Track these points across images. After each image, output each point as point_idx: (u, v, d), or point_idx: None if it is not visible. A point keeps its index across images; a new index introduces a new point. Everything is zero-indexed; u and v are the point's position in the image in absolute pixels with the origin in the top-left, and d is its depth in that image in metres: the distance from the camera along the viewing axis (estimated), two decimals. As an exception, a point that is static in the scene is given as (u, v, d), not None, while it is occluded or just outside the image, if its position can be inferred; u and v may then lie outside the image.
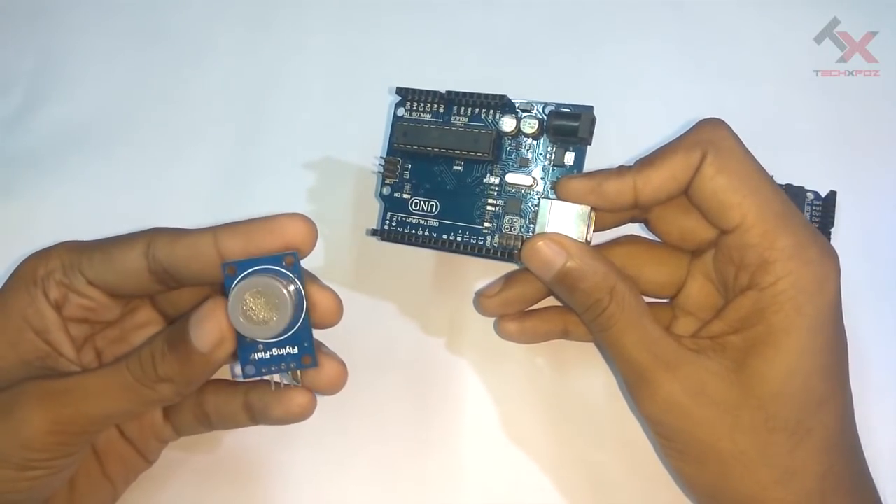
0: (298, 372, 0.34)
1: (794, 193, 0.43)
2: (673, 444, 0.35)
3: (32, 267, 0.35)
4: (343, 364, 0.35)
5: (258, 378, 0.33)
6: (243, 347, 0.33)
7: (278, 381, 0.35)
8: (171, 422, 0.38)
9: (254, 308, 0.31)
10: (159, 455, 0.40)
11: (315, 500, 0.41)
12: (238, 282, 0.31)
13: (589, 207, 0.36)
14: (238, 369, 0.34)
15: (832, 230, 0.43)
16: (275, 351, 0.33)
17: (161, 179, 0.48)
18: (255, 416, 0.37)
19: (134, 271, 0.34)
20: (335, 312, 0.34)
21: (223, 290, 0.32)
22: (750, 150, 0.34)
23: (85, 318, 0.36)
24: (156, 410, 0.38)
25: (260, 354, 0.33)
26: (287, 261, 0.32)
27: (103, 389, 0.32)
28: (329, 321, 0.34)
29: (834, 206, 0.43)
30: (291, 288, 0.32)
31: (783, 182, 0.42)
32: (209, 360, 0.31)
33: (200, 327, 0.31)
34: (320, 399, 0.42)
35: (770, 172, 0.34)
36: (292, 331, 0.33)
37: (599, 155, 0.38)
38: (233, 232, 0.32)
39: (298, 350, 0.33)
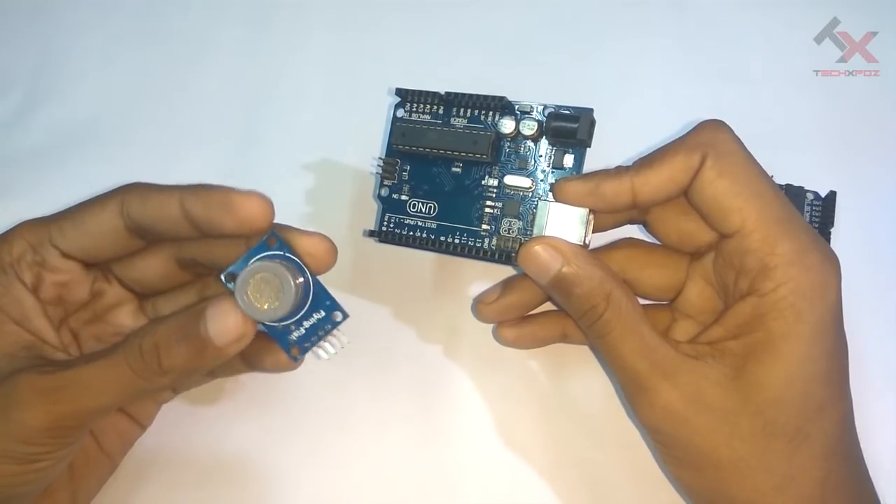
0: (337, 332, 0.34)
1: (794, 193, 0.42)
2: (671, 452, 0.34)
3: None
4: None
5: (308, 353, 0.34)
6: (277, 334, 0.33)
7: (331, 350, 0.35)
8: None
9: (260, 296, 0.31)
10: (152, 419, 0.40)
11: (314, 501, 0.41)
12: (236, 280, 0.32)
13: (587, 210, 0.35)
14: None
15: (832, 230, 0.43)
16: (305, 324, 0.33)
17: (161, 180, 0.47)
18: (252, 364, 0.37)
19: (111, 231, 0.34)
20: (328, 254, 0.34)
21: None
22: (750, 151, 0.34)
23: (59, 297, 0.35)
24: None
25: (296, 334, 0.33)
26: (270, 242, 0.33)
27: (101, 384, 0.31)
28: (324, 265, 0.34)
29: (834, 206, 0.42)
30: (283, 265, 0.32)
31: (783, 182, 0.42)
32: (223, 353, 0.31)
33: (220, 321, 0.31)
34: (319, 401, 0.43)
35: (770, 172, 0.34)
36: (309, 299, 0.33)
37: (598, 155, 0.38)
38: (195, 199, 0.32)
39: (325, 311, 0.33)
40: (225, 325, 0.31)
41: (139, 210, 0.33)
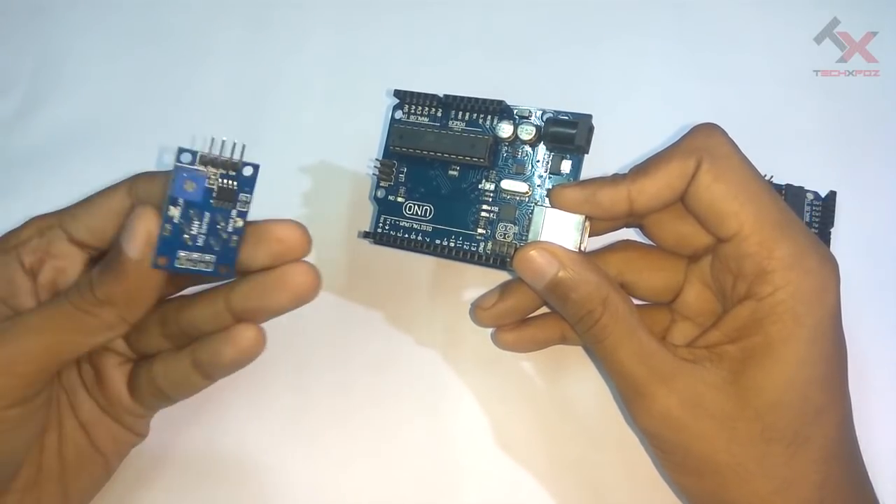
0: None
1: (794, 193, 0.42)
2: (670, 457, 0.34)
3: (4, 239, 0.35)
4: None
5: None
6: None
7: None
8: (138, 400, 0.38)
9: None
10: (147, 429, 0.40)
11: (313, 502, 0.41)
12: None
13: (583, 216, 0.35)
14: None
15: (832, 230, 0.42)
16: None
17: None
18: (208, 371, 0.36)
19: (119, 210, 0.34)
20: (300, 242, 0.34)
21: None
22: (749, 151, 0.34)
23: (52, 281, 0.36)
24: (121, 387, 0.38)
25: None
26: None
27: (42, 322, 0.32)
28: (295, 252, 0.34)
29: (834, 206, 0.42)
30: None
31: (783, 182, 0.42)
32: (142, 267, 0.31)
33: (129, 232, 0.31)
34: (319, 404, 0.43)
35: (770, 172, 0.34)
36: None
37: (598, 156, 0.38)
38: None
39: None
40: (134, 233, 0.31)
41: (147, 188, 0.34)
